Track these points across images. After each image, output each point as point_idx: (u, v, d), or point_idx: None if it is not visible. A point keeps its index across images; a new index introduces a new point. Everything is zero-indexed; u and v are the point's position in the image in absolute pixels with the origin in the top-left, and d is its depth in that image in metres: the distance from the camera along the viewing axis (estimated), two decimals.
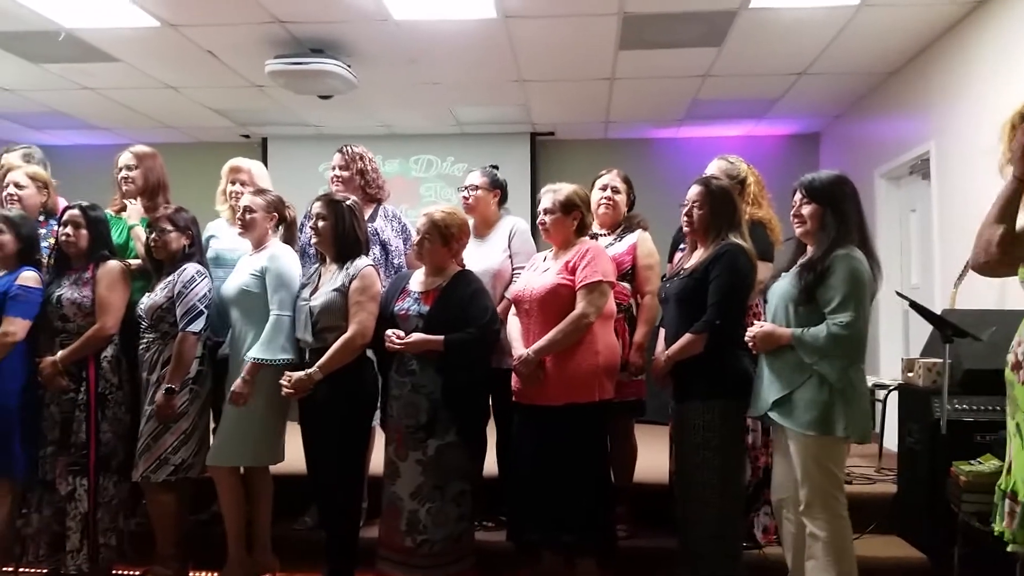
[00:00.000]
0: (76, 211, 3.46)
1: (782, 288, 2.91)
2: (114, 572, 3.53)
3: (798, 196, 2.92)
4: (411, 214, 4.70)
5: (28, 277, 3.43)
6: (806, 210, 2.87)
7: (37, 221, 3.73)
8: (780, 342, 2.84)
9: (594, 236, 3.65)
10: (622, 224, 3.74)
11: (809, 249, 2.91)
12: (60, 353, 3.36)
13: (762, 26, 4.88)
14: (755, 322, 3.04)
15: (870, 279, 2.79)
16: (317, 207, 3.37)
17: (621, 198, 3.75)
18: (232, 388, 3.28)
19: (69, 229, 3.44)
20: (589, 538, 3.12)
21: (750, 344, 2.92)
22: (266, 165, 7.48)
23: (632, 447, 3.74)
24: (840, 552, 2.77)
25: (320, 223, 3.34)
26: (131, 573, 3.54)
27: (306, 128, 7.60)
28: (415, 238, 3.92)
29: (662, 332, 3.30)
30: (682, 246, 3.37)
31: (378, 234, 3.83)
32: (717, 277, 3.00)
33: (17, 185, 3.72)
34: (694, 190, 3.16)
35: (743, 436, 3.23)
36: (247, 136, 7.87)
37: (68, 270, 3.48)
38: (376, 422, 3.54)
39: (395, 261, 3.87)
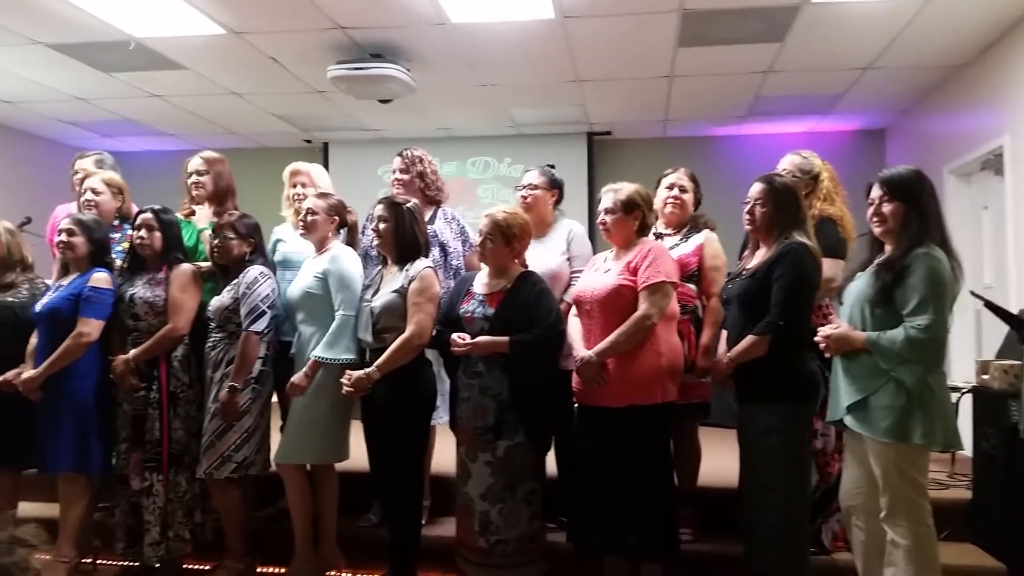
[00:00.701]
0: (149, 215, 3.57)
1: (858, 288, 2.83)
2: (186, 566, 3.63)
3: (877, 193, 2.81)
4: (469, 216, 4.74)
5: (99, 278, 3.54)
6: (887, 208, 2.77)
7: (112, 225, 3.86)
8: (855, 346, 2.76)
9: (659, 236, 3.62)
10: (688, 224, 3.68)
11: (887, 247, 2.81)
12: (132, 352, 3.47)
13: (825, 21, 4.78)
14: (827, 323, 2.97)
15: (951, 279, 2.68)
16: (379, 209, 3.42)
17: (688, 197, 3.69)
18: (292, 379, 3.35)
19: (143, 232, 3.55)
20: (652, 541, 3.09)
21: (823, 346, 2.85)
22: (327, 169, 7.69)
23: (696, 450, 3.69)
24: (923, 561, 2.68)
25: (381, 225, 3.38)
26: (203, 567, 3.63)
27: (366, 132, 7.70)
28: (474, 239, 3.97)
29: (724, 334, 3.25)
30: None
31: (437, 236, 3.85)
32: (780, 277, 2.93)
33: (94, 191, 3.85)
34: (756, 187, 3.10)
35: (810, 439, 3.16)
36: (309, 141, 8.01)
37: (142, 271, 3.59)
38: (439, 421, 3.57)
39: (454, 263, 3.88)
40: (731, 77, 5.90)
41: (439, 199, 4.01)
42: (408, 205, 3.41)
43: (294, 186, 3.94)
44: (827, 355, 2.87)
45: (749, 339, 2.98)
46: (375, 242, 3.47)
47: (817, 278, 3.02)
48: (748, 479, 3.07)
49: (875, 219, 2.83)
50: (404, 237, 3.36)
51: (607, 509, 3.09)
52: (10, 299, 3.69)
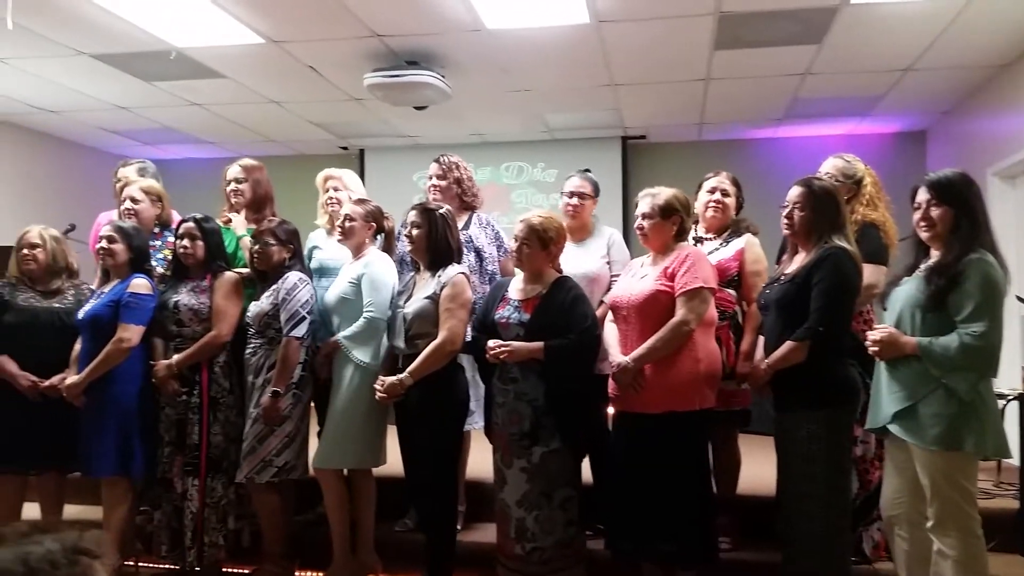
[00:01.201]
0: (191, 224, 3.63)
1: (907, 293, 2.77)
2: (226, 569, 3.67)
3: (924, 197, 2.75)
4: (503, 221, 4.74)
5: (139, 284, 3.60)
6: (935, 212, 2.72)
7: (152, 233, 3.92)
8: (904, 351, 2.70)
9: (699, 240, 3.59)
10: (730, 228, 3.64)
11: (933, 252, 2.76)
12: (175, 357, 3.53)
13: (864, 22, 4.71)
14: (869, 329, 2.92)
15: (1003, 285, 2.63)
16: (412, 216, 3.44)
17: (730, 201, 3.65)
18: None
19: (186, 241, 3.61)
20: (689, 548, 3.07)
21: (873, 351, 2.79)
22: (363, 176, 7.78)
23: (736, 458, 3.65)
24: (973, 572, 2.62)
25: (414, 231, 3.40)
26: (242, 571, 3.66)
27: (401, 139, 7.75)
28: (509, 245, 3.98)
29: (761, 340, 3.21)
30: None
31: (473, 241, 3.86)
32: (820, 282, 2.89)
33: (133, 199, 3.92)
34: (795, 191, 3.06)
35: (850, 447, 3.11)
36: (345, 148, 8.08)
37: (186, 278, 3.65)
38: (474, 427, 3.58)
39: (489, 268, 3.89)
40: (768, 80, 5.84)
41: (475, 205, 4.02)
42: (441, 211, 3.43)
43: (327, 191, 3.97)
44: (877, 359, 2.81)
45: (788, 345, 2.94)
46: (408, 248, 3.49)
47: (858, 283, 2.97)
48: (787, 487, 3.03)
49: (923, 223, 2.77)
50: (437, 243, 3.37)
51: (644, 516, 3.07)
52: (56, 305, 3.76)
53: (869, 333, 2.83)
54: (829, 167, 3.53)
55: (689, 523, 3.05)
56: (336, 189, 3.94)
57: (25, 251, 3.77)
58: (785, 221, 3.07)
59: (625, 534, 3.15)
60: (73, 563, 0.98)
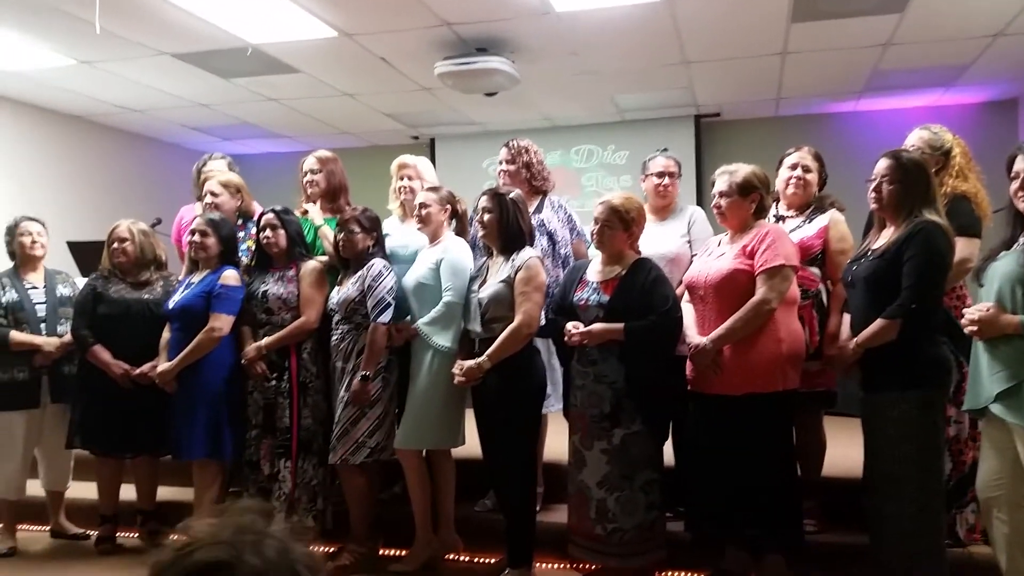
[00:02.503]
0: (271, 215, 3.73)
1: (1006, 268, 2.64)
2: (313, 549, 3.76)
3: (1023, 166, 2.63)
4: (574, 204, 4.72)
5: (230, 276, 3.72)
6: None
7: (236, 224, 4.03)
8: (1007, 330, 2.57)
9: (780, 218, 3.51)
10: (812, 205, 3.53)
11: None
12: (265, 340, 3.64)
13: None
14: (963, 306, 2.81)
15: None
16: (483, 201, 3.46)
17: (812, 177, 3.53)
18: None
19: (268, 232, 3.71)
20: (774, 532, 3.02)
21: (970, 330, 2.68)
22: (434, 164, 7.80)
23: (820, 439, 3.56)
24: None
25: (486, 216, 3.41)
26: (329, 549, 3.76)
27: (471, 126, 7.78)
28: (581, 227, 3.96)
29: (846, 318, 3.12)
30: None
31: (545, 225, 3.86)
32: (912, 258, 2.78)
33: (213, 194, 4.04)
34: (883, 163, 2.95)
35: (944, 427, 3.00)
36: (416, 137, 8.16)
37: (271, 268, 3.75)
38: (550, 409, 3.58)
39: (562, 251, 3.88)
40: (848, 51, 5.66)
41: (545, 188, 4.02)
42: (511, 195, 3.43)
43: (401, 179, 4.02)
44: (977, 338, 2.69)
45: (879, 323, 2.84)
46: (480, 233, 3.51)
47: (950, 258, 2.86)
48: (878, 469, 2.94)
49: (1021, 194, 2.64)
50: (508, 227, 3.38)
51: (727, 499, 3.03)
52: (146, 296, 3.92)
53: (966, 311, 2.71)
54: (915, 139, 3.39)
55: (773, 506, 3.00)
56: (409, 178, 3.98)
57: (115, 245, 3.94)
58: (873, 195, 2.97)
59: (707, 517, 3.12)
60: (285, 553, 1.01)
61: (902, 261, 2.80)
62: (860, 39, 5.39)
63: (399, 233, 3.92)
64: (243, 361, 3.66)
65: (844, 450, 3.61)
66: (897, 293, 2.81)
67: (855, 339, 2.93)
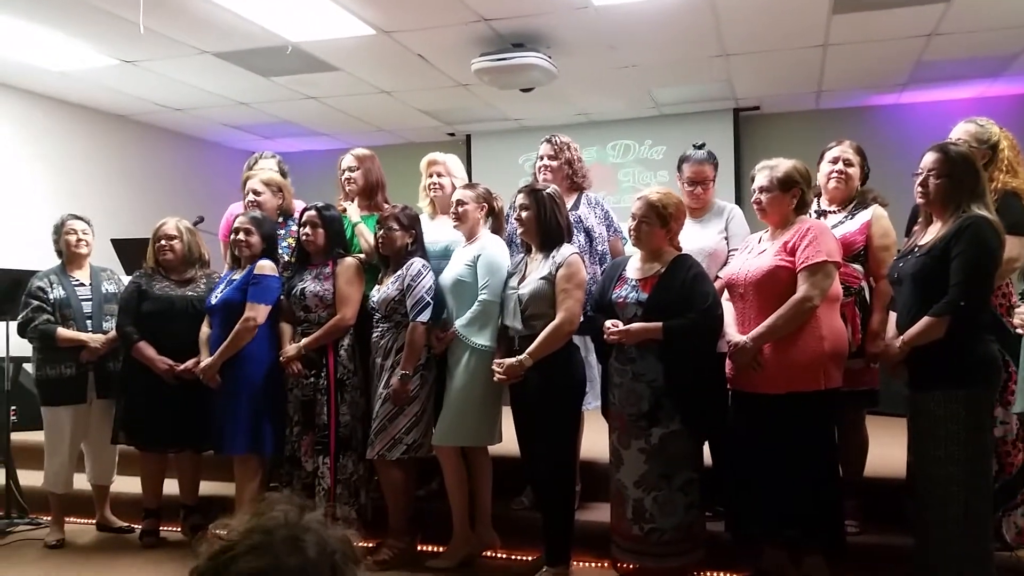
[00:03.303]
0: (313, 212, 3.76)
1: None
2: (350, 534, 3.79)
3: None
4: (610, 201, 4.69)
5: (264, 265, 3.77)
6: None
7: (276, 222, 4.08)
8: None
9: (822, 213, 3.45)
10: (855, 199, 3.47)
11: None
12: (303, 340, 3.67)
13: None
14: (1011, 304, 2.74)
15: None
16: (520, 198, 3.45)
17: (854, 171, 3.46)
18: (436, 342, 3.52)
19: (308, 229, 3.74)
20: (815, 533, 2.98)
21: (1022, 331, 2.61)
22: (470, 161, 7.86)
23: (863, 439, 3.50)
24: None
25: (523, 213, 3.41)
26: (368, 544, 3.79)
27: (507, 122, 7.78)
28: (619, 224, 3.94)
29: (892, 316, 3.06)
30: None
31: (582, 221, 3.84)
32: (961, 254, 2.71)
33: (255, 192, 4.08)
34: (930, 157, 2.88)
35: (991, 428, 2.94)
36: (452, 134, 8.18)
37: (309, 265, 3.79)
38: (587, 407, 3.57)
39: (599, 248, 3.86)
40: (890, 43, 5.55)
41: (584, 185, 4.00)
42: (548, 191, 3.42)
43: (431, 175, 4.03)
44: None
45: (925, 321, 2.78)
46: (518, 230, 3.50)
47: (1000, 254, 2.79)
48: (923, 470, 2.88)
49: None
50: (546, 223, 3.37)
51: (768, 499, 2.99)
52: (189, 293, 3.98)
53: (1018, 311, 2.64)
54: (961, 132, 3.31)
55: (815, 506, 2.95)
56: (439, 175, 3.99)
57: (163, 242, 4.00)
58: (919, 189, 2.90)
59: (747, 517, 3.08)
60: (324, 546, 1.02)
61: (950, 257, 2.74)
62: (903, 30, 5.28)
63: (429, 229, 3.92)
64: (281, 359, 3.70)
65: (887, 450, 3.55)
66: (945, 290, 2.74)
67: (901, 337, 2.88)
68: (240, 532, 1.00)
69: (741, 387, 3.11)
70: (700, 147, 3.73)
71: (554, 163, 3.90)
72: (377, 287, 3.69)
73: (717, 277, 3.45)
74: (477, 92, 6.56)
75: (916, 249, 2.91)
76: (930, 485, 2.83)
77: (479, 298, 3.47)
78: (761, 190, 3.12)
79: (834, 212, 3.48)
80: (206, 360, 3.76)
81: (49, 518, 4.20)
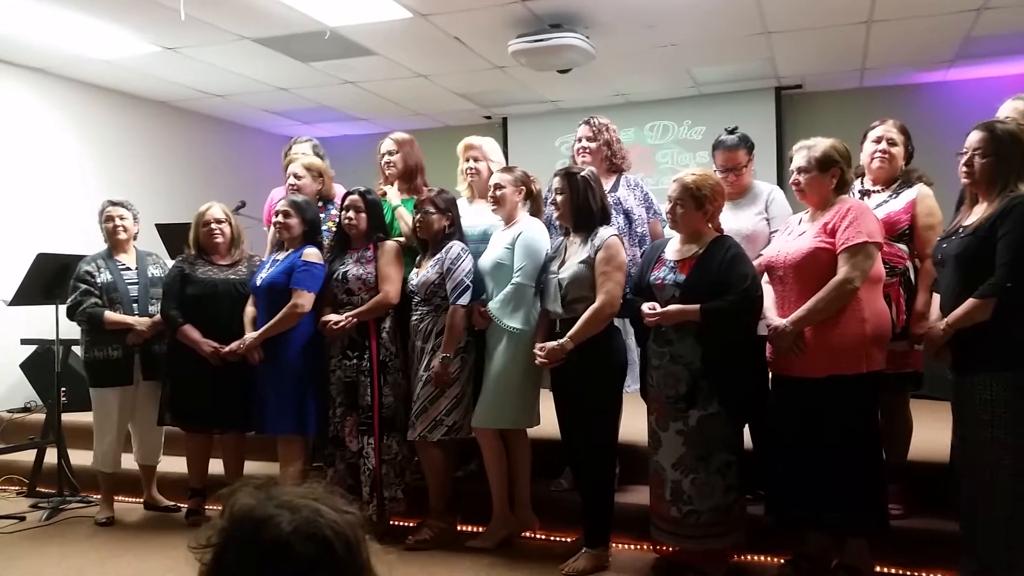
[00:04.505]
0: (356, 196, 3.79)
1: None
2: (394, 523, 3.86)
3: None
4: (648, 183, 4.66)
5: (311, 253, 3.82)
6: None
7: (316, 206, 4.12)
8: None
9: (866, 193, 3.40)
10: (899, 179, 3.41)
11: None
12: (348, 314, 3.70)
13: None
14: None
15: None
16: (555, 181, 3.44)
17: (898, 150, 3.40)
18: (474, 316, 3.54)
19: (351, 213, 3.77)
20: (858, 517, 2.95)
21: None
22: (506, 144, 7.84)
23: (907, 422, 3.45)
24: None
25: (558, 197, 3.40)
26: (408, 524, 3.84)
27: (543, 104, 7.74)
28: (658, 206, 3.91)
29: (936, 298, 3.00)
30: None
31: (621, 203, 3.83)
32: (1008, 234, 2.65)
33: (296, 176, 4.13)
34: (975, 136, 2.82)
35: None
36: (489, 117, 8.16)
37: (350, 249, 3.83)
38: (627, 390, 3.56)
39: (639, 230, 3.85)
40: (937, 18, 5.40)
41: (623, 167, 3.99)
42: (582, 174, 3.41)
43: (467, 160, 4.03)
44: None
45: (971, 302, 2.72)
46: (555, 214, 3.49)
47: None
48: (968, 455, 2.82)
49: None
50: (580, 206, 3.37)
51: (809, 483, 2.96)
52: (232, 276, 4.06)
53: None
54: (1009, 110, 3.23)
55: (857, 491, 2.92)
56: (476, 159, 3.99)
57: (212, 226, 4.07)
58: (964, 169, 2.84)
59: (789, 501, 3.06)
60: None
61: (996, 238, 2.68)
62: (952, 4, 5.15)
63: (467, 214, 3.94)
64: (323, 330, 3.72)
65: (932, 433, 3.49)
66: (990, 271, 2.69)
67: (946, 319, 2.82)
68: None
69: (782, 371, 3.09)
70: (732, 131, 3.67)
71: (592, 145, 3.89)
72: (416, 271, 3.72)
73: (759, 256, 3.41)
74: (514, 74, 6.54)
75: (960, 230, 2.86)
76: (976, 471, 2.78)
77: (512, 280, 3.48)
78: (799, 171, 3.08)
79: (878, 192, 3.42)
80: (248, 335, 3.82)
81: (99, 496, 4.32)
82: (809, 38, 5.86)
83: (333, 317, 3.71)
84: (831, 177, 3.03)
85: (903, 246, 3.31)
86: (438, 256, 3.61)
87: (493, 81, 6.81)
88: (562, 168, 3.52)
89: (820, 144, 3.06)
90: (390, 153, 4.09)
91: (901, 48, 6.09)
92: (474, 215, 3.89)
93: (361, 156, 5.77)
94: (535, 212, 3.71)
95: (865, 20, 5.44)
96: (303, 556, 0.98)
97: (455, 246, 3.61)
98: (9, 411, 5.72)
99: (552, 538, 3.72)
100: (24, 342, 5.53)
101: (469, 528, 3.82)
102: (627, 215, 3.84)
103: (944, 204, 3.33)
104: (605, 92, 7.32)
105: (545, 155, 7.60)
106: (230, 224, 4.11)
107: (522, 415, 3.55)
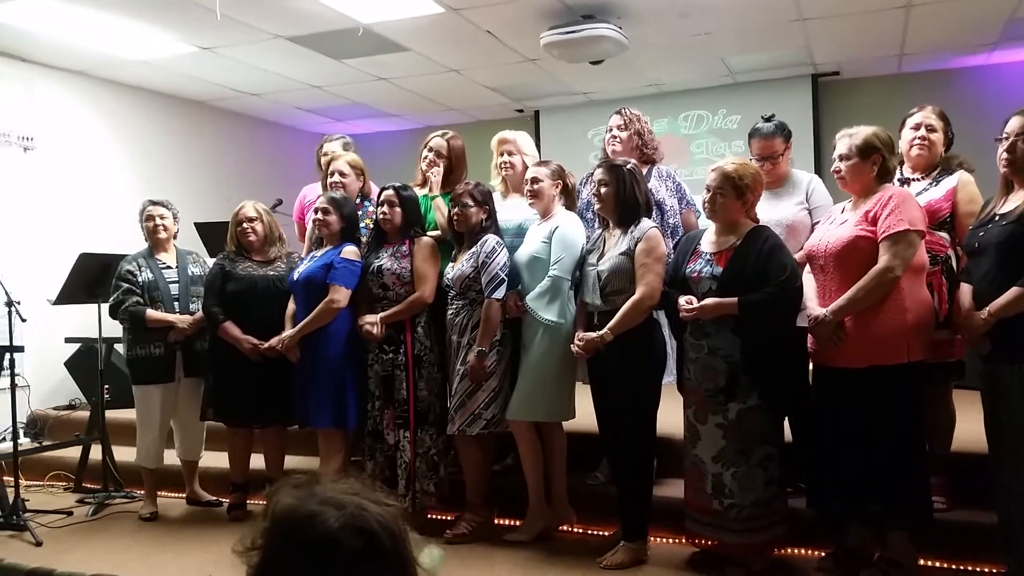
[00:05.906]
0: (391, 191, 3.81)
1: None
2: (430, 516, 3.88)
3: None
4: (682, 174, 4.61)
5: (350, 251, 3.85)
6: None
7: (355, 203, 4.15)
8: None
9: (906, 181, 3.33)
10: (939, 166, 3.34)
11: None
12: (383, 313, 3.73)
13: None
14: None
15: None
16: (599, 173, 3.42)
17: (937, 137, 3.34)
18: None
19: (386, 208, 3.79)
20: (900, 509, 2.90)
21: None
22: (539, 137, 7.81)
23: (950, 413, 3.39)
24: None
25: (603, 189, 3.37)
26: (446, 518, 3.86)
27: (575, 96, 7.71)
28: (690, 197, 3.88)
29: (967, 287, 2.93)
30: None
31: (653, 194, 3.79)
32: None
33: (341, 173, 4.15)
34: (1015, 121, 2.76)
35: None
36: (521, 111, 8.15)
37: (385, 244, 3.85)
38: (665, 381, 3.54)
39: (671, 221, 3.83)
40: (980, 0, 5.27)
41: (655, 158, 3.97)
42: (628, 166, 3.39)
43: (502, 155, 4.03)
44: None
45: (1015, 291, 2.66)
46: (597, 206, 3.47)
47: None
48: (1004, 445, 2.78)
49: None
50: (625, 199, 3.35)
51: (851, 475, 2.93)
52: (271, 273, 4.10)
53: None
54: None
55: (900, 482, 2.88)
56: (510, 153, 3.99)
57: (244, 225, 4.12)
58: (1005, 155, 2.78)
59: (830, 494, 3.02)
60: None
61: None
62: None
63: (502, 208, 3.93)
64: (360, 325, 3.75)
65: (976, 425, 3.40)
66: None
67: (988, 308, 2.76)
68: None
69: (823, 361, 3.05)
70: (769, 119, 3.61)
71: (623, 134, 3.87)
72: (451, 265, 3.73)
73: (802, 248, 3.36)
74: (545, 67, 6.52)
75: (996, 217, 2.79)
76: (1011, 460, 2.74)
77: (549, 273, 3.48)
78: (840, 158, 3.03)
79: (918, 180, 3.36)
80: (287, 332, 3.86)
81: (143, 492, 4.40)
82: (846, 24, 5.75)
83: (369, 319, 3.74)
84: (872, 164, 2.98)
85: (944, 234, 3.25)
86: (473, 250, 3.62)
87: (525, 74, 6.79)
88: (607, 160, 3.50)
89: (861, 132, 3.01)
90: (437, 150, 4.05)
91: (941, 32, 5.96)
92: (509, 210, 3.90)
93: (394, 152, 5.82)
94: (569, 206, 3.71)
95: (904, 5, 5.33)
96: (352, 550, 0.99)
97: (490, 239, 3.62)
98: (55, 408, 5.85)
99: (589, 531, 3.71)
100: (68, 340, 5.66)
101: (506, 522, 3.83)
102: (659, 206, 3.81)
103: (986, 191, 3.26)
104: (638, 82, 7.26)
105: (578, 147, 7.57)
106: (262, 221, 4.14)
107: (557, 408, 3.55)
